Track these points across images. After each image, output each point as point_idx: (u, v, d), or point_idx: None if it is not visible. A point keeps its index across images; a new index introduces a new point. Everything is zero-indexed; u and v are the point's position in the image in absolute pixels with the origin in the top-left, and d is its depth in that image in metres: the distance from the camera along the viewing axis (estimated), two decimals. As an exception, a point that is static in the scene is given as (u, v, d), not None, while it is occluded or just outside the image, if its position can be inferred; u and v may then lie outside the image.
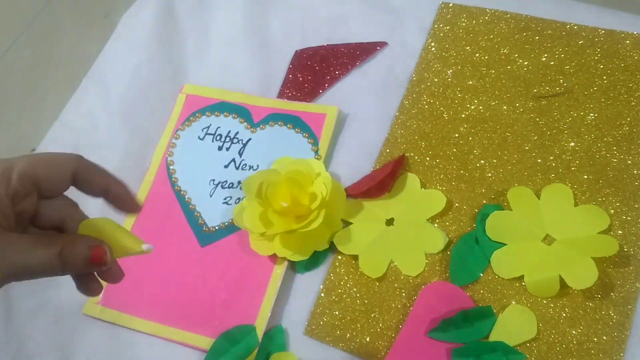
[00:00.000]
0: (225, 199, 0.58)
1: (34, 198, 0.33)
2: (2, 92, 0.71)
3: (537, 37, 0.59)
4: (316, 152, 0.58)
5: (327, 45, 0.65)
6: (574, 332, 0.46)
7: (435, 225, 0.52)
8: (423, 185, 0.54)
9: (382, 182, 0.54)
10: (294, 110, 0.60)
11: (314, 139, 0.58)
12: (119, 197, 0.35)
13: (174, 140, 0.62)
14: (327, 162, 0.58)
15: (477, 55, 0.60)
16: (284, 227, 0.50)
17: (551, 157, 0.53)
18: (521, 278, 0.49)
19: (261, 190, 0.52)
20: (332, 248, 0.53)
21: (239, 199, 0.57)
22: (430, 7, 0.64)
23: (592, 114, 0.54)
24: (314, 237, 0.52)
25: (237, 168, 0.59)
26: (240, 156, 0.60)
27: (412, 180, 0.54)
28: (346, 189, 0.55)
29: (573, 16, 0.59)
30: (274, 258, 0.53)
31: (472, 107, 0.57)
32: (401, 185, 0.54)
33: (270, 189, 0.51)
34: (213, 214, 0.57)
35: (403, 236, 0.52)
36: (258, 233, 0.52)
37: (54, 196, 0.34)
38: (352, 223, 0.54)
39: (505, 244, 0.50)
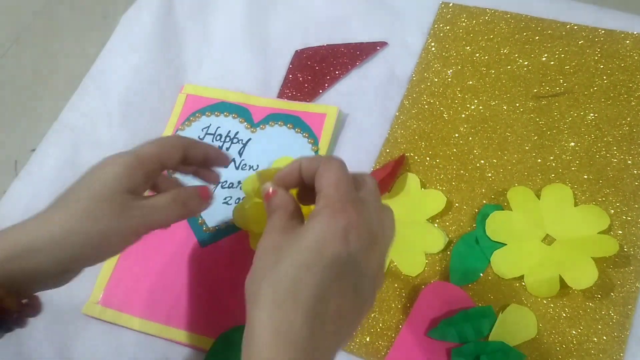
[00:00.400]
0: (225, 199, 0.58)
1: (158, 170, 0.43)
2: (2, 92, 0.71)
3: (537, 37, 0.59)
4: (316, 152, 0.58)
5: (327, 45, 0.65)
6: (574, 332, 0.46)
7: (435, 225, 0.52)
8: (423, 185, 0.54)
9: (382, 182, 0.54)
10: (294, 110, 0.60)
11: (314, 139, 0.58)
12: (212, 156, 0.47)
13: (174, 140, 0.62)
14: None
15: (477, 55, 0.60)
16: None
17: (551, 157, 0.53)
18: (521, 278, 0.49)
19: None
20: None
21: (239, 198, 0.57)
22: (430, 7, 0.64)
23: (592, 114, 0.54)
24: None
25: (237, 168, 0.59)
26: (240, 156, 0.60)
27: (412, 180, 0.54)
28: None
29: (573, 16, 0.59)
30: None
31: (472, 107, 0.57)
32: (401, 185, 0.54)
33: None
34: (213, 214, 0.57)
35: (403, 236, 0.52)
36: (259, 232, 0.52)
37: (172, 167, 0.44)
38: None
39: (505, 244, 0.50)
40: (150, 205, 0.41)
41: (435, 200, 0.53)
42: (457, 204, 0.53)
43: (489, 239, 0.50)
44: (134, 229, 0.40)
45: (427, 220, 0.52)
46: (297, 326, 0.31)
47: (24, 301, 0.38)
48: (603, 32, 0.57)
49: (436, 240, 0.51)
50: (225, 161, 0.48)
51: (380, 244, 0.35)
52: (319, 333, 0.32)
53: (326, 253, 0.32)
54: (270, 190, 0.39)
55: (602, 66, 0.56)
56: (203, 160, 0.46)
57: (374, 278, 0.35)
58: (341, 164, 0.37)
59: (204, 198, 0.44)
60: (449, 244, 0.51)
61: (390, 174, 0.54)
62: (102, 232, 0.38)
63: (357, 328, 0.37)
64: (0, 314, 0.36)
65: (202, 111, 0.63)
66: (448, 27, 0.62)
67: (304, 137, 0.59)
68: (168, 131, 0.62)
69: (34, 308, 0.40)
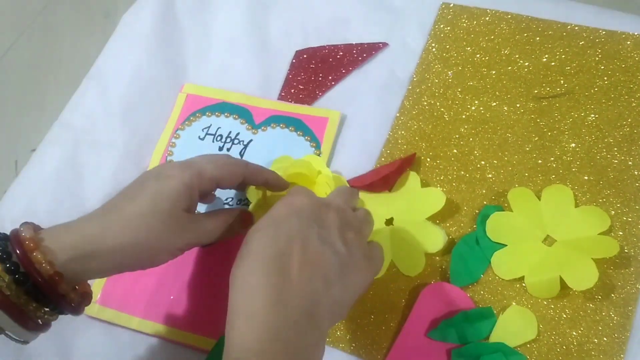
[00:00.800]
0: (226, 199, 0.58)
1: (213, 189, 0.45)
2: (3, 91, 0.71)
3: (537, 38, 0.59)
4: (318, 155, 0.57)
5: (327, 45, 0.65)
6: (574, 333, 0.46)
7: (436, 223, 0.52)
8: (423, 184, 0.54)
9: (386, 177, 0.54)
10: (296, 113, 0.60)
11: (316, 143, 0.58)
12: (273, 184, 0.49)
13: (174, 140, 0.62)
14: (328, 163, 0.58)
15: (478, 55, 0.60)
16: None
17: (552, 158, 0.53)
18: (522, 279, 0.49)
19: (265, 195, 0.52)
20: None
21: (240, 200, 0.57)
22: (431, 8, 0.64)
23: (592, 115, 0.54)
24: None
25: (237, 168, 0.59)
26: (242, 157, 0.59)
27: (412, 178, 0.54)
28: (350, 180, 0.56)
29: (574, 17, 0.59)
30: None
31: (473, 108, 0.57)
32: (401, 183, 0.54)
33: (275, 195, 0.52)
34: (213, 214, 0.57)
35: (402, 236, 0.52)
36: None
37: (229, 188, 0.47)
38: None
39: (506, 245, 0.50)
40: (203, 227, 0.43)
41: (435, 198, 0.52)
42: (457, 205, 0.53)
43: (490, 239, 0.50)
44: (184, 246, 0.43)
45: (426, 219, 0.52)
46: (259, 307, 0.34)
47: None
48: (604, 32, 0.57)
49: (435, 239, 0.51)
50: (284, 186, 0.49)
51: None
52: (283, 307, 0.35)
53: (280, 223, 0.38)
54: None
55: (602, 67, 0.56)
56: (264, 185, 0.49)
57: (333, 245, 0.38)
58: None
59: (247, 223, 0.47)
60: (449, 244, 0.51)
61: (396, 171, 0.54)
62: (160, 247, 0.41)
63: (329, 306, 0.37)
64: (64, 305, 0.40)
65: (203, 111, 0.63)
66: (449, 28, 0.62)
67: (306, 140, 0.59)
68: (168, 131, 0.62)
69: (88, 297, 0.43)
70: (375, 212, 0.53)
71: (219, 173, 0.43)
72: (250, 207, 0.55)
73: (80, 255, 0.38)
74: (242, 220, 0.47)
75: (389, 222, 0.53)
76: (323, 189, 0.52)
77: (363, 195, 0.55)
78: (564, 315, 0.47)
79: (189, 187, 0.41)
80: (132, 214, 0.40)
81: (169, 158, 0.61)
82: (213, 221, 0.44)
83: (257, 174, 0.47)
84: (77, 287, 0.42)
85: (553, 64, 0.57)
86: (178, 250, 0.43)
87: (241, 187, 0.49)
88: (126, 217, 0.40)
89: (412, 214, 0.53)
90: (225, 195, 0.58)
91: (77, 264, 0.38)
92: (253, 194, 0.55)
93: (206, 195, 0.46)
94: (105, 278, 0.56)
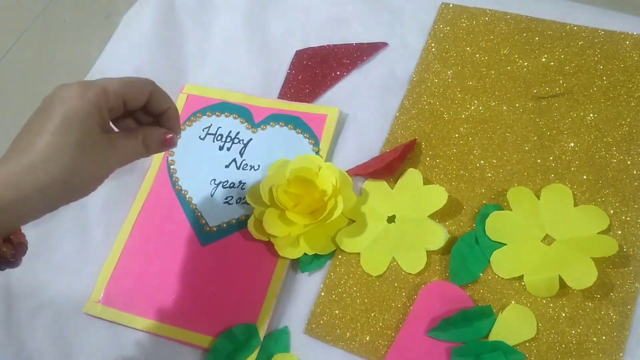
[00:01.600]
0: (226, 198, 0.58)
1: (121, 111, 0.42)
2: (3, 92, 0.72)
3: (537, 38, 0.59)
4: (317, 152, 0.58)
5: (327, 45, 0.65)
6: (573, 332, 0.46)
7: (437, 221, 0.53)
8: (425, 182, 0.54)
9: (390, 164, 0.54)
10: (295, 111, 0.61)
11: (315, 140, 0.58)
12: (172, 118, 0.45)
13: (174, 140, 0.62)
14: (328, 161, 0.58)
15: (477, 55, 0.60)
16: (307, 222, 0.51)
17: (551, 158, 0.53)
18: (521, 278, 0.49)
19: (272, 194, 0.52)
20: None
21: (240, 198, 0.57)
22: (431, 8, 0.64)
23: (591, 115, 0.54)
24: (336, 227, 0.53)
25: (238, 168, 0.59)
26: (242, 156, 0.60)
27: (414, 175, 0.54)
28: (353, 168, 0.56)
29: (573, 17, 0.59)
30: (275, 257, 0.54)
31: (472, 108, 0.57)
32: (403, 181, 0.55)
33: (281, 191, 0.52)
34: (214, 214, 0.57)
35: (404, 233, 0.52)
36: (282, 236, 0.52)
37: (133, 109, 0.43)
38: (354, 221, 0.54)
39: (505, 244, 0.50)
40: (124, 147, 0.42)
41: (437, 195, 0.53)
42: (457, 204, 0.53)
43: (489, 238, 0.50)
44: (108, 170, 0.41)
45: (428, 216, 0.52)
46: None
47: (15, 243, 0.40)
48: (603, 32, 0.58)
49: (437, 237, 0.51)
50: (177, 130, 0.46)
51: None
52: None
53: None
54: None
55: (601, 67, 0.56)
56: (161, 115, 0.45)
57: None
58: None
59: (166, 145, 0.45)
60: (449, 242, 0.51)
61: (398, 157, 0.54)
62: (84, 177, 0.39)
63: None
64: None
65: (203, 111, 0.63)
66: (448, 28, 0.62)
67: (305, 137, 0.59)
68: (169, 131, 0.63)
69: (23, 247, 0.41)
70: (378, 209, 0.54)
71: (124, 88, 0.41)
72: (254, 211, 0.55)
73: (3, 206, 0.35)
74: (162, 141, 0.44)
75: (391, 219, 0.53)
76: (329, 180, 0.52)
77: (367, 187, 0.55)
78: (563, 314, 0.47)
79: (96, 105, 0.39)
80: (46, 149, 0.36)
81: (170, 158, 0.61)
82: (132, 140, 0.42)
83: (163, 97, 0.44)
84: (11, 238, 0.40)
85: (552, 63, 0.58)
86: (104, 175, 0.40)
87: (148, 110, 0.45)
88: (40, 155, 0.36)
89: (414, 211, 0.53)
90: (226, 194, 0.58)
91: (1, 216, 0.36)
92: (253, 196, 0.55)
93: (116, 117, 0.42)
94: (107, 278, 0.56)
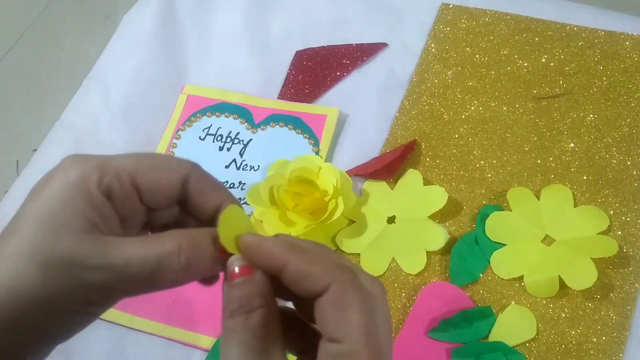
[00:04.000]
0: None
1: (138, 203, 0.27)
2: (4, 92, 0.72)
3: (537, 38, 0.59)
4: (317, 152, 0.58)
5: (327, 46, 0.65)
6: (573, 332, 0.46)
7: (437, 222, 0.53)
8: (425, 182, 0.54)
9: (390, 165, 0.54)
10: (295, 111, 0.61)
11: (314, 140, 0.58)
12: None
13: (174, 141, 0.62)
14: (328, 161, 0.58)
15: (477, 56, 0.60)
16: (307, 222, 0.51)
17: (551, 158, 0.53)
18: (521, 278, 0.49)
19: (273, 194, 0.52)
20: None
21: (240, 199, 0.57)
22: (431, 8, 0.64)
23: (591, 115, 0.54)
24: (336, 227, 0.53)
25: (238, 168, 0.59)
26: (242, 156, 0.60)
27: (414, 176, 0.54)
28: (353, 169, 0.56)
29: (573, 17, 0.59)
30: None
31: (472, 108, 0.57)
32: (403, 181, 0.55)
33: (281, 191, 0.52)
34: (214, 214, 0.57)
35: (404, 234, 0.52)
36: None
37: (158, 207, 0.27)
38: (354, 222, 0.54)
39: (505, 245, 0.50)
40: (120, 256, 0.25)
41: (437, 196, 0.53)
42: (456, 205, 0.53)
43: (489, 239, 0.50)
44: (100, 292, 0.25)
45: (428, 217, 0.52)
46: None
47: None
48: (603, 33, 0.58)
49: (437, 237, 0.51)
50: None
51: None
52: None
53: None
54: (237, 269, 0.26)
55: (601, 67, 0.56)
56: (213, 215, 0.28)
57: None
58: (364, 295, 0.25)
59: (224, 258, 0.26)
60: (449, 242, 0.51)
61: (399, 158, 0.54)
62: (53, 296, 0.24)
63: None
64: None
65: (203, 112, 0.63)
66: (448, 29, 0.62)
67: (305, 137, 0.59)
68: (169, 131, 0.63)
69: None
70: (378, 209, 0.54)
71: (134, 166, 0.26)
72: (254, 212, 0.55)
73: None
74: (213, 258, 0.26)
75: (391, 219, 0.53)
76: (329, 180, 0.52)
77: (367, 188, 0.55)
78: (563, 315, 0.47)
79: (79, 186, 0.25)
80: (11, 255, 0.24)
81: (169, 158, 0.61)
82: (140, 247, 0.25)
83: (210, 188, 0.28)
84: None
85: (552, 64, 0.58)
86: (82, 305, 0.25)
87: (189, 210, 0.29)
88: (6, 260, 0.24)
89: (414, 212, 0.53)
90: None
91: None
92: (253, 197, 0.55)
93: (128, 203, 0.27)
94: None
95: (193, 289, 0.54)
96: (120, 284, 0.25)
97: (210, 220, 0.28)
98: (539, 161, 0.54)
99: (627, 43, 0.57)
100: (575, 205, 0.51)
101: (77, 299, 0.25)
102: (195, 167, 0.28)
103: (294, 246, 0.25)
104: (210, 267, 0.26)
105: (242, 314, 0.25)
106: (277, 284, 0.26)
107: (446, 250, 0.51)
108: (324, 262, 0.25)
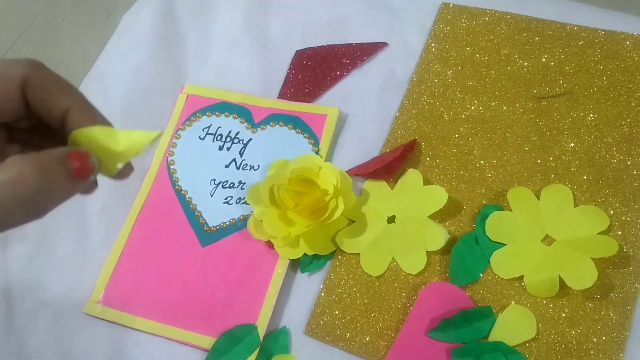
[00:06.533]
0: (226, 198, 0.58)
1: None
2: (3, 91, 0.71)
3: (537, 38, 0.59)
4: (317, 152, 0.58)
5: (327, 45, 0.65)
6: (573, 332, 0.46)
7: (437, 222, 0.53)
8: (425, 182, 0.54)
9: (390, 165, 0.54)
10: (295, 110, 0.61)
11: (314, 140, 0.58)
12: (82, 124, 0.24)
13: (174, 140, 0.62)
14: (327, 161, 0.58)
15: (478, 55, 0.60)
16: (307, 222, 0.51)
17: (551, 158, 0.53)
18: (521, 278, 0.49)
19: (273, 194, 0.52)
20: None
21: (239, 198, 0.57)
22: (431, 8, 0.64)
23: (591, 115, 0.54)
24: (336, 227, 0.53)
25: (237, 168, 0.59)
26: (241, 156, 0.60)
27: (414, 176, 0.54)
28: (353, 168, 0.56)
29: (573, 17, 0.59)
30: (274, 257, 0.54)
31: (472, 108, 0.57)
32: (403, 181, 0.55)
33: (282, 190, 0.52)
34: (214, 214, 0.57)
35: (404, 233, 0.52)
36: (282, 237, 0.52)
37: (3, 120, 0.25)
38: (354, 221, 0.54)
39: (505, 244, 0.50)
40: None
41: (437, 196, 0.52)
42: (456, 204, 0.53)
43: (489, 239, 0.50)
44: None
45: (428, 217, 0.52)
46: None
47: None
48: (603, 33, 0.58)
49: (437, 237, 0.51)
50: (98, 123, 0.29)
51: None
52: None
53: None
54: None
55: (602, 67, 0.56)
56: (60, 118, 0.26)
57: None
58: None
59: (79, 176, 0.25)
60: (449, 242, 0.51)
61: (399, 158, 0.54)
62: None
63: None
64: None
65: (203, 111, 0.63)
66: (448, 28, 0.62)
67: (305, 137, 0.59)
68: (169, 131, 0.63)
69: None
70: (378, 209, 0.54)
71: None
72: (254, 211, 0.55)
73: None
74: (70, 173, 0.25)
75: (391, 219, 0.53)
76: (329, 180, 0.52)
77: (367, 188, 0.55)
78: (563, 315, 0.47)
79: None
80: None
81: (170, 158, 0.61)
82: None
83: (51, 91, 0.25)
84: None
85: (552, 64, 0.58)
86: None
87: (31, 116, 0.26)
88: None
89: (414, 212, 0.53)
90: (225, 194, 0.58)
91: None
92: (253, 196, 0.55)
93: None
94: (107, 278, 0.56)
95: (193, 289, 0.54)
96: None
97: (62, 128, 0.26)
98: (539, 161, 0.54)
99: (628, 43, 0.57)
100: (576, 205, 0.51)
101: None
102: (35, 67, 0.24)
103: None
104: (68, 188, 0.25)
105: None
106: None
107: (446, 250, 0.51)
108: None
